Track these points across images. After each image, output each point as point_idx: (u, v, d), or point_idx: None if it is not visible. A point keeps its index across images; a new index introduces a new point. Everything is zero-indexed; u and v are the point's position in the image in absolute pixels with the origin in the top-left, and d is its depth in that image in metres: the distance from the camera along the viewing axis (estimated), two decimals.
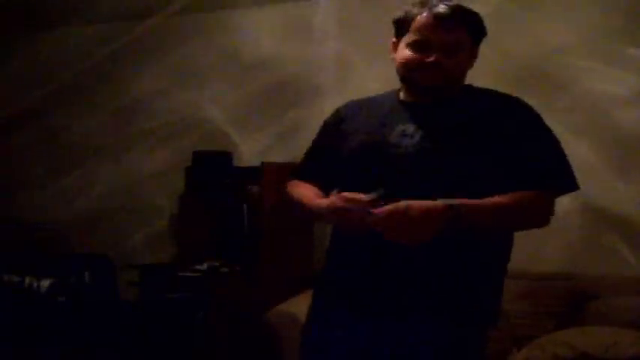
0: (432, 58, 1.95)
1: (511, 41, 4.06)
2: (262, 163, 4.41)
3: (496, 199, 1.89)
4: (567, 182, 1.99)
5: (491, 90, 2.09)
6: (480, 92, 2.08)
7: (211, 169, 4.64)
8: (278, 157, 4.58)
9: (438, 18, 1.95)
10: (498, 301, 2.07)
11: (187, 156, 4.71)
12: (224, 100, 4.98)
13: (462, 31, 1.97)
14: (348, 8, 4.58)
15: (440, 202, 1.82)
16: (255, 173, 4.40)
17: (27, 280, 4.26)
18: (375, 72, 4.07)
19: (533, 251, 3.58)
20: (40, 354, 3.96)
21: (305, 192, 2.16)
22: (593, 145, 3.93)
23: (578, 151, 3.86)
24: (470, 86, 2.10)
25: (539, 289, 3.60)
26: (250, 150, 4.84)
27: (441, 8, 1.95)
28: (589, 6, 4.01)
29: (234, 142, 4.88)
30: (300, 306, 3.64)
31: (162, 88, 5.16)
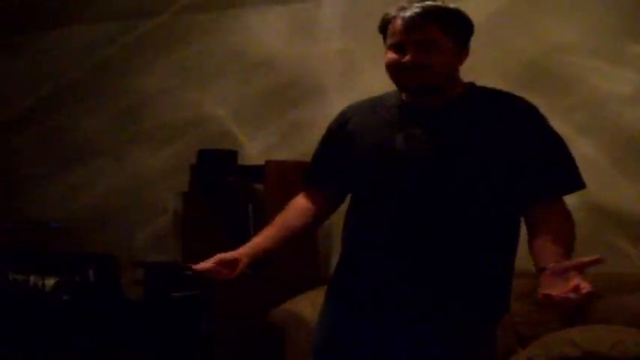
0: (406, 59, 1.97)
1: (515, 40, 4.06)
2: (266, 161, 4.41)
3: (563, 236, 1.91)
4: (576, 183, 2.01)
5: (495, 89, 2.09)
6: (484, 92, 2.08)
7: (216, 167, 4.64)
8: (283, 155, 4.58)
9: (406, 20, 1.97)
10: (509, 291, 2.10)
11: (192, 154, 4.71)
12: (229, 99, 4.98)
13: (434, 30, 1.97)
14: (353, 7, 4.58)
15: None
16: (259, 172, 4.40)
17: (32, 278, 4.27)
18: (380, 71, 4.04)
19: None
20: (44, 353, 3.97)
21: (277, 217, 2.29)
22: (596, 144, 3.92)
23: (581, 149, 3.85)
24: (473, 85, 2.10)
25: None
26: (255, 148, 4.85)
27: (409, 11, 1.97)
28: (593, 4, 4.00)
29: (239, 141, 4.88)
30: (304, 305, 3.65)
31: (167, 86, 5.16)
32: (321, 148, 2.27)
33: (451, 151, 1.97)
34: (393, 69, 2.02)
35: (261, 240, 2.21)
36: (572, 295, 1.69)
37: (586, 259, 1.76)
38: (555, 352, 3.11)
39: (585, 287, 1.70)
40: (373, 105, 2.18)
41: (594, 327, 3.32)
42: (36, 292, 4.24)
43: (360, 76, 4.45)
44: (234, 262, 2.11)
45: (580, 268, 1.76)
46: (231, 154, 4.70)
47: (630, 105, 3.90)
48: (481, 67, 4.03)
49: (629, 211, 3.86)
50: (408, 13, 1.97)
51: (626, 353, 3.00)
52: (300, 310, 3.65)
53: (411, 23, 1.96)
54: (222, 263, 2.09)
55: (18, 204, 5.50)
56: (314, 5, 4.71)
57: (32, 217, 5.34)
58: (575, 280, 1.72)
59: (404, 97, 2.10)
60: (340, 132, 2.18)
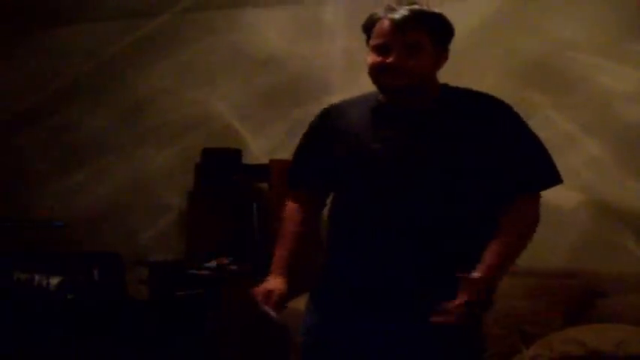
0: (391, 59, 1.98)
1: (519, 38, 4.05)
2: (270, 160, 4.41)
3: (504, 240, 1.95)
4: (551, 178, 2.04)
5: (468, 89, 2.12)
6: (458, 93, 2.11)
7: (221, 166, 4.65)
8: (288, 154, 4.57)
9: (394, 22, 1.98)
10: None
11: (197, 153, 4.72)
12: (233, 98, 4.99)
13: (421, 33, 1.99)
14: (357, 6, 4.57)
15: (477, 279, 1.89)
16: (264, 170, 4.40)
17: (36, 277, 4.28)
18: None
19: (541, 248, 3.54)
20: (48, 351, 3.97)
21: (284, 231, 2.32)
22: (601, 142, 3.91)
23: (586, 147, 3.84)
24: (446, 86, 2.12)
25: (548, 287, 3.59)
26: (260, 147, 4.85)
27: (398, 13, 1.99)
28: (597, 2, 4.00)
29: (243, 140, 4.89)
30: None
31: (171, 85, 5.17)
32: (302, 147, 2.30)
33: (426, 152, 2.00)
34: (376, 70, 2.04)
35: (288, 259, 2.29)
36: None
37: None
38: (559, 351, 3.10)
39: (452, 309, 1.84)
40: (354, 105, 2.20)
41: (599, 326, 3.31)
42: (40, 291, 4.25)
43: (364, 74, 4.40)
44: (284, 297, 2.21)
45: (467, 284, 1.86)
46: (236, 153, 4.70)
47: (635, 103, 3.89)
48: (486, 66, 4.03)
49: (634, 210, 3.86)
50: (397, 15, 1.99)
51: (631, 352, 2.99)
52: (303, 308, 3.64)
53: (400, 25, 1.98)
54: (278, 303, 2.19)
55: (22, 203, 5.51)
56: (318, 4, 4.71)
57: (36, 216, 5.35)
58: (459, 299, 1.85)
59: (380, 98, 2.11)
60: (321, 130, 2.22)
